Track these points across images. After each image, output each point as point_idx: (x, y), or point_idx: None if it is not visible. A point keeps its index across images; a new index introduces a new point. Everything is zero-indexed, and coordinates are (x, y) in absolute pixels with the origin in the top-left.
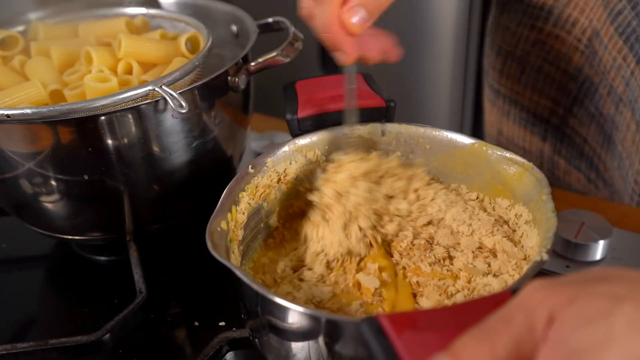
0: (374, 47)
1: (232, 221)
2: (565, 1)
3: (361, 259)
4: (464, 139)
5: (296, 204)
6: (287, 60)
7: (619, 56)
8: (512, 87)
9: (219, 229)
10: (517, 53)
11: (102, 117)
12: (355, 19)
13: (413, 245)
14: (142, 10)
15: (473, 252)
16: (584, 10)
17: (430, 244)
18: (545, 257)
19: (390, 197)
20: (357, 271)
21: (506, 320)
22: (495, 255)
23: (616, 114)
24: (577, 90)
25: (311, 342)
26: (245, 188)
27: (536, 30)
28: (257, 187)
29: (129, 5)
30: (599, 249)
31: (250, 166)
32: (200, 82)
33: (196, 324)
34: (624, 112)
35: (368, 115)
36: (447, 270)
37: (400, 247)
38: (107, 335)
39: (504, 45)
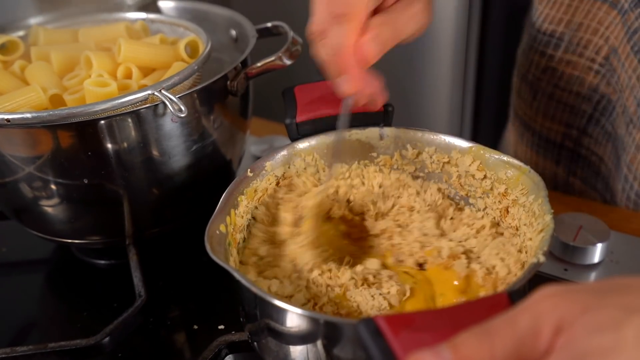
0: (365, 86)
1: (231, 225)
2: (576, 26)
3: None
4: (462, 143)
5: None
6: (286, 64)
7: (633, 75)
8: (525, 112)
9: (217, 232)
10: (529, 77)
11: (102, 122)
12: (373, 49)
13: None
14: (142, 15)
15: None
16: (598, 30)
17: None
18: (542, 259)
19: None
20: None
21: (511, 322)
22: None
23: (626, 135)
24: (593, 110)
25: (309, 345)
26: (244, 192)
27: (547, 57)
28: (255, 190)
29: (129, 10)
30: (597, 252)
31: (249, 170)
32: (199, 87)
33: (195, 327)
34: (633, 133)
35: (366, 120)
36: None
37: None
38: (107, 339)
39: (520, 67)
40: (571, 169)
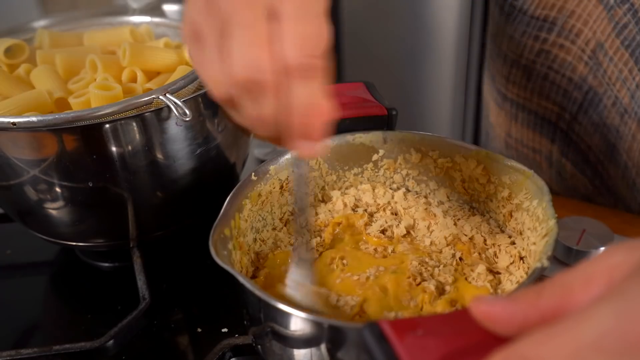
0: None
1: (235, 228)
2: (569, 12)
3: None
4: (466, 147)
5: None
6: None
7: (625, 68)
8: (519, 94)
9: (222, 235)
10: (522, 62)
11: (107, 125)
12: (333, 107)
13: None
14: (147, 19)
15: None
16: (587, 22)
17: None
18: (546, 263)
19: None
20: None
21: (565, 272)
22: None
23: (621, 124)
24: (582, 99)
25: (314, 349)
26: (249, 195)
27: (540, 40)
28: (260, 194)
29: (134, 14)
30: None
31: (253, 174)
32: (203, 90)
33: (199, 330)
34: (628, 122)
35: (370, 124)
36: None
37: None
38: (111, 342)
39: (509, 53)
40: (564, 151)
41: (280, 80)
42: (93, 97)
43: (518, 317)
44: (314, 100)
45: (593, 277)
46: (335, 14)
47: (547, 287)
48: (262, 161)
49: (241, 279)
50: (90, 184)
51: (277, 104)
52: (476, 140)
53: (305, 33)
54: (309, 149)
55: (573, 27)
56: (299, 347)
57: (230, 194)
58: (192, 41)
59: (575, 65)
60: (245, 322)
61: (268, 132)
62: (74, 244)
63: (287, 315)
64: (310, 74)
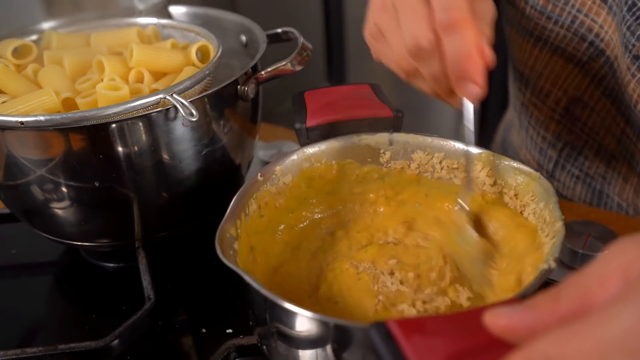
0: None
1: (241, 228)
2: (538, 74)
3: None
4: (472, 149)
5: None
6: (296, 69)
7: (608, 116)
8: (516, 138)
9: (228, 235)
10: (517, 106)
11: (114, 125)
12: (490, 50)
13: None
14: (153, 20)
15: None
16: (556, 83)
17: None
18: (553, 265)
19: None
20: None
21: (579, 273)
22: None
23: (608, 171)
24: (557, 156)
25: (319, 349)
26: (255, 196)
27: (521, 94)
28: (265, 195)
29: (140, 15)
30: None
31: (259, 174)
32: (210, 91)
33: (203, 331)
34: (617, 167)
35: (376, 125)
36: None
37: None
38: (116, 342)
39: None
40: None
41: (438, 41)
42: (100, 97)
43: (539, 326)
44: (462, 48)
45: (608, 276)
46: (339, 18)
47: (563, 290)
48: (266, 163)
49: (247, 279)
50: (97, 184)
51: (440, 60)
52: (480, 143)
53: (446, 2)
54: (470, 90)
55: (543, 88)
56: (305, 347)
57: (237, 194)
58: (373, 37)
59: (547, 124)
60: (250, 323)
61: (444, 88)
62: (80, 243)
63: (293, 315)
64: (454, 29)
